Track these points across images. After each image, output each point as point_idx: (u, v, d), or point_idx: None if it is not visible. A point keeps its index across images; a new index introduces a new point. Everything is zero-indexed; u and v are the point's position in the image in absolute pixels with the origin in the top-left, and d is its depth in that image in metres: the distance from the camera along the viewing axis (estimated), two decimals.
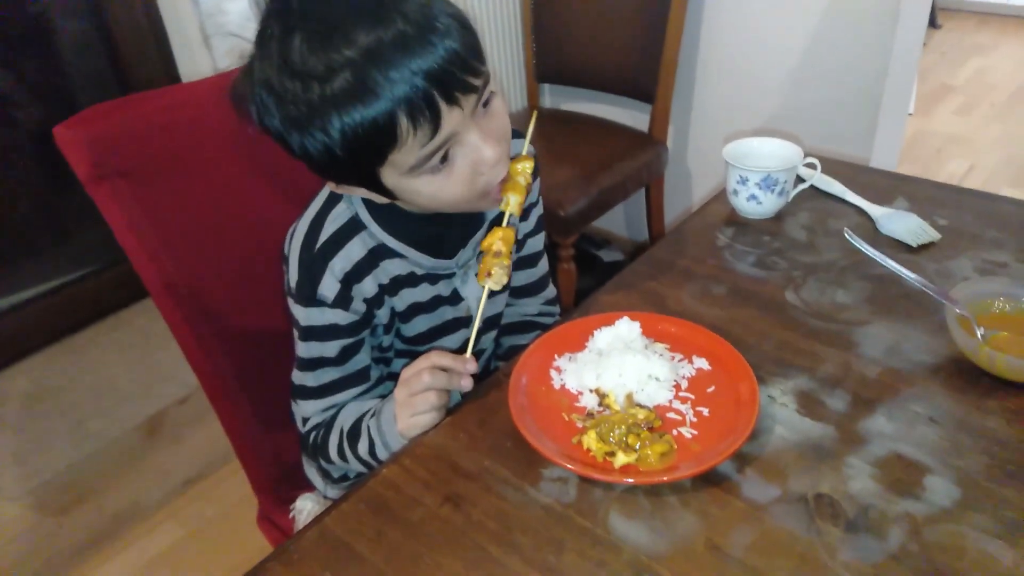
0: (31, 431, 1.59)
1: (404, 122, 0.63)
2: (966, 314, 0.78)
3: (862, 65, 1.79)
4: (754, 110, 2.03)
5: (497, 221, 0.89)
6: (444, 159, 0.69)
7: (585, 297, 0.94)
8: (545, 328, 0.91)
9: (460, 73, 0.65)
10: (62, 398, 1.66)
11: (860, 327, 0.84)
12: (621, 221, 2.52)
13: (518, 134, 0.92)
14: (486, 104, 0.70)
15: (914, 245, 0.96)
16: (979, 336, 0.77)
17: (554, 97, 2.41)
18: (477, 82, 0.67)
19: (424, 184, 0.70)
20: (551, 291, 1.03)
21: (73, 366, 1.70)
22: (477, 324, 0.78)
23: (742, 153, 1.05)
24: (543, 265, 1.00)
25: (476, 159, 0.70)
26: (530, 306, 1.02)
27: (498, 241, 0.77)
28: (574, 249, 1.92)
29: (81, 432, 1.64)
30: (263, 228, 0.94)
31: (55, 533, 1.59)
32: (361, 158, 0.67)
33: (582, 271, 2.01)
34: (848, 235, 0.89)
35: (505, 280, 0.77)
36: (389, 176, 0.70)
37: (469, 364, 0.76)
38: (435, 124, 0.65)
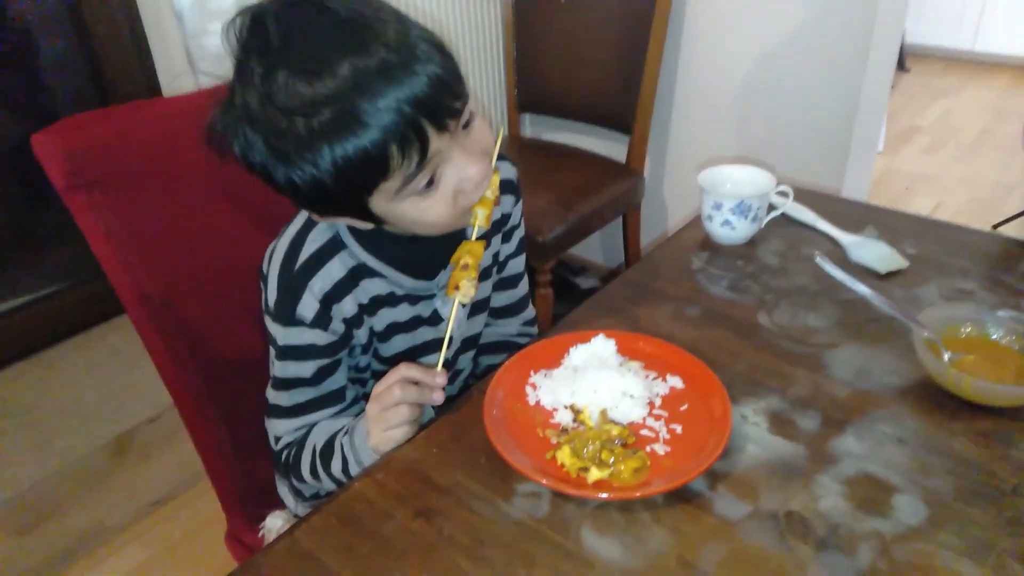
0: None
1: (394, 150, 0.64)
2: (933, 337, 0.79)
3: (834, 102, 1.84)
4: (729, 143, 2.07)
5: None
6: (430, 183, 0.69)
7: (564, 319, 0.95)
8: (521, 347, 0.91)
9: (444, 98, 0.66)
10: (28, 415, 1.62)
11: (830, 350, 0.86)
12: (598, 248, 2.54)
13: (499, 156, 0.94)
14: (467, 125, 0.71)
15: (882, 272, 0.98)
16: (946, 359, 0.79)
17: (535, 127, 2.44)
18: (459, 104, 0.68)
19: (410, 207, 0.70)
20: (530, 312, 1.04)
21: (41, 382, 1.67)
22: (448, 334, 0.78)
23: (717, 180, 1.07)
24: (523, 286, 1.01)
25: (461, 178, 0.71)
26: (509, 326, 1.03)
27: (466, 255, 0.78)
28: (551, 275, 1.93)
29: (47, 450, 1.60)
30: (239, 244, 0.94)
31: (16, 553, 1.54)
32: (352, 189, 0.67)
33: (559, 297, 2.02)
34: (819, 260, 0.91)
35: (472, 293, 0.77)
36: (378, 204, 0.70)
37: (439, 377, 0.76)
38: (423, 149, 0.65)
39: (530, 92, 2.21)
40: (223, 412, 1.00)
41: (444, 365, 0.78)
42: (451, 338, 0.79)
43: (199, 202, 0.95)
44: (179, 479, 1.78)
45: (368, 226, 0.76)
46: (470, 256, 0.78)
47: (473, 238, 0.79)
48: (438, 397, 0.76)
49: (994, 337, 0.82)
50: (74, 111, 0.86)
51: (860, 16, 1.71)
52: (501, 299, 0.99)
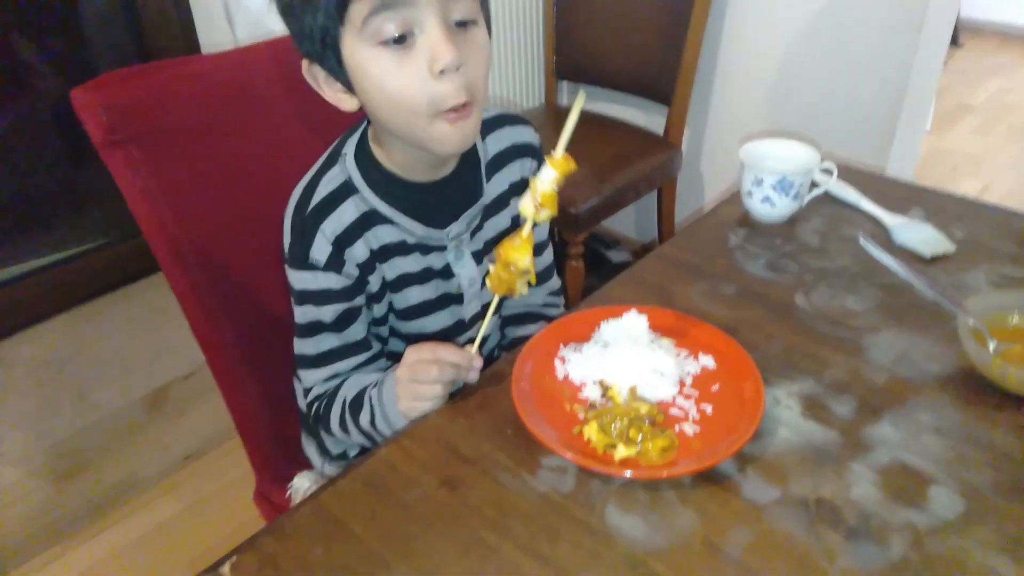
0: (35, 398, 1.59)
1: None
2: (978, 326, 0.77)
3: (882, 77, 1.78)
4: (771, 116, 2.02)
5: (494, 207, 0.89)
6: (402, 39, 0.69)
7: (594, 293, 0.94)
8: (550, 319, 0.91)
9: None
10: (68, 367, 1.66)
11: (869, 334, 0.83)
12: (631, 222, 2.51)
13: (517, 119, 0.92)
14: (465, 25, 0.71)
15: (928, 256, 0.95)
16: (991, 348, 0.76)
17: (572, 95, 2.40)
18: None
19: (374, 60, 0.70)
20: (556, 282, 1.03)
21: (80, 336, 1.70)
22: (483, 331, 0.78)
23: (758, 155, 1.04)
24: (548, 255, 1.00)
25: (432, 56, 0.69)
26: (535, 296, 1.02)
27: (526, 258, 0.74)
28: (583, 247, 1.91)
29: (85, 402, 1.64)
30: (274, 203, 0.94)
31: (54, 500, 1.60)
32: None
33: (590, 270, 2.00)
34: (863, 241, 0.89)
35: (526, 291, 0.77)
36: (348, 41, 0.70)
37: (476, 360, 0.77)
38: None
39: (569, 60, 2.17)
40: (255, 371, 1.01)
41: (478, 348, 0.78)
42: (485, 333, 0.79)
43: (235, 160, 0.95)
44: (212, 435, 1.82)
45: (349, 105, 0.76)
46: (527, 258, 0.74)
47: (525, 233, 0.75)
48: (474, 376, 0.77)
49: None
50: (114, 67, 0.86)
51: None
52: None
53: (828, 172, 1.06)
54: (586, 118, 2.17)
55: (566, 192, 1.75)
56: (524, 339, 0.83)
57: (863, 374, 0.78)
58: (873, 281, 0.91)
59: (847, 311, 0.87)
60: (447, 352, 0.75)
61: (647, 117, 2.16)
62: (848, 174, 1.11)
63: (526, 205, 0.75)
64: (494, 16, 2.04)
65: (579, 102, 0.71)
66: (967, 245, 0.98)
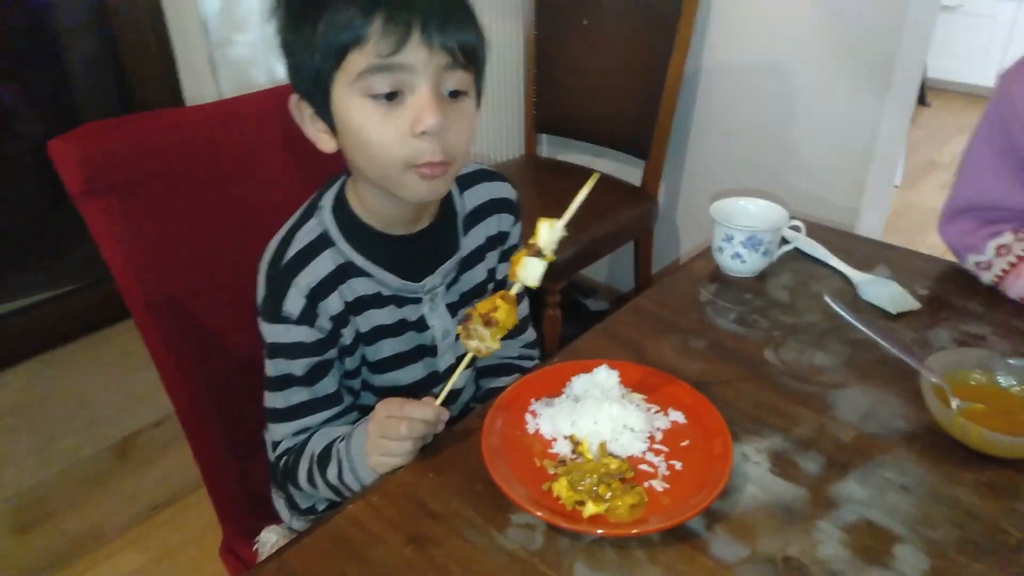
0: None
1: (379, 21, 0.68)
2: (941, 383, 0.78)
3: (852, 135, 1.83)
4: (744, 171, 2.07)
5: (470, 260, 0.90)
6: (392, 96, 0.71)
7: (573, 342, 0.95)
8: (524, 371, 0.91)
9: (453, 16, 0.71)
10: (34, 414, 1.63)
11: (837, 390, 0.85)
12: (609, 271, 2.54)
13: (495, 175, 0.94)
14: (456, 94, 0.74)
15: (893, 312, 0.97)
16: (954, 407, 0.77)
17: (551, 147, 2.45)
18: (463, 40, 0.72)
19: (360, 111, 0.72)
20: (531, 334, 1.03)
21: (49, 382, 1.67)
22: (451, 384, 0.77)
23: (729, 212, 1.07)
24: (524, 307, 1.01)
25: (416, 118, 0.71)
26: (510, 348, 1.02)
27: (503, 309, 0.74)
28: (561, 296, 1.92)
29: (51, 449, 1.61)
30: (249, 255, 0.94)
31: (14, 552, 1.54)
32: (329, 40, 0.70)
33: (568, 318, 2.01)
34: (828, 299, 0.90)
35: (490, 350, 0.76)
36: (339, 86, 0.72)
37: (444, 414, 0.76)
38: (403, 38, 0.68)
39: (549, 112, 2.22)
40: (224, 422, 1.00)
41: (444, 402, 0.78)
42: (458, 385, 0.79)
43: (211, 211, 0.95)
44: (180, 485, 1.78)
45: (328, 147, 0.78)
46: (501, 312, 0.74)
47: (512, 292, 0.76)
48: (440, 428, 0.77)
49: (1004, 385, 0.80)
50: (98, 115, 0.87)
51: (882, 49, 1.71)
52: None
53: (797, 229, 1.09)
54: (565, 168, 2.22)
55: None
56: (498, 391, 0.83)
57: (830, 430, 0.79)
58: (841, 337, 0.93)
59: (815, 367, 0.88)
60: (416, 409, 0.75)
61: (625, 169, 2.20)
62: (817, 231, 1.13)
63: (522, 269, 0.75)
64: None
65: (591, 183, 0.74)
66: (932, 302, 1.00)
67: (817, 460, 0.75)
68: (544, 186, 2.07)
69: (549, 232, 0.74)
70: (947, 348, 0.90)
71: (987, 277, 1.00)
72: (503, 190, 0.94)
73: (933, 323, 0.96)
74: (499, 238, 0.94)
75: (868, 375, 0.87)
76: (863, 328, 0.86)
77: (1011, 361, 0.81)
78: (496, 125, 2.29)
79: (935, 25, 1.84)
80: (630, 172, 2.15)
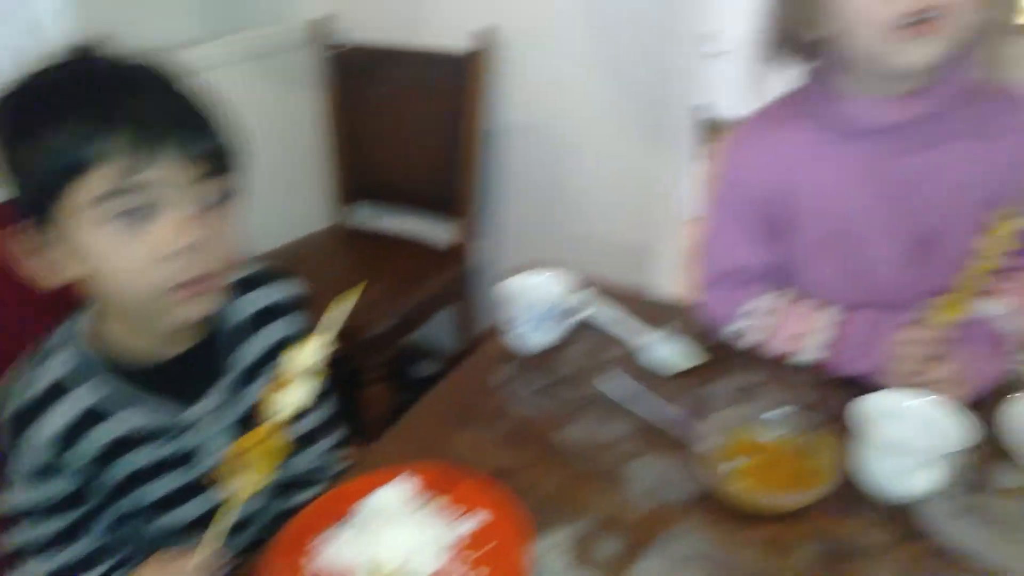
0: None
1: (118, 136, 0.63)
2: (706, 452, 0.81)
3: (637, 184, 1.96)
4: (549, 228, 2.13)
5: (248, 375, 0.85)
6: (138, 214, 0.66)
7: (404, 413, 0.94)
8: (325, 480, 0.86)
9: (199, 123, 0.68)
10: None
11: (629, 464, 0.86)
12: (439, 333, 2.51)
13: (275, 275, 0.89)
14: (213, 203, 0.70)
15: (673, 373, 0.99)
16: (721, 472, 0.80)
17: (372, 214, 2.38)
18: (213, 146, 0.69)
19: (104, 237, 0.66)
20: (330, 440, 0.96)
21: None
22: (222, 526, 0.70)
23: (516, 289, 1.07)
24: (325, 410, 0.94)
25: (166, 236, 0.66)
26: (301, 462, 0.93)
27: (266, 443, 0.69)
28: (387, 369, 1.88)
29: None
30: None
31: None
32: (64, 159, 0.63)
33: (400, 387, 1.96)
34: (597, 386, 0.93)
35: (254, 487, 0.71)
36: (77, 208, 0.65)
37: (217, 561, 0.70)
38: (148, 155, 0.63)
39: (362, 179, 2.19)
40: None
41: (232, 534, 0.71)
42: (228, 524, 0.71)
43: None
44: None
45: (58, 277, 0.70)
46: (265, 446, 0.69)
47: (272, 422, 0.70)
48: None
49: (763, 440, 0.83)
50: None
51: (652, 97, 1.86)
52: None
53: (587, 299, 1.11)
54: (377, 237, 2.18)
55: (359, 316, 1.72)
56: (295, 510, 0.77)
57: (626, 508, 0.80)
58: (629, 409, 0.95)
59: (609, 441, 0.90)
60: (185, 568, 0.68)
61: (441, 233, 2.19)
62: (612, 292, 1.15)
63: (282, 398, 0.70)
64: (276, 142, 2.02)
65: (352, 297, 0.70)
66: (722, 349, 1.03)
67: (615, 542, 0.76)
68: (355, 258, 2.05)
69: (304, 356, 0.70)
70: (724, 404, 0.93)
71: (746, 343, 1.03)
72: (279, 292, 0.89)
73: (715, 376, 0.99)
74: (284, 344, 0.87)
75: (656, 445, 0.88)
76: (632, 408, 0.89)
77: (776, 412, 0.85)
78: (300, 198, 2.22)
79: (702, 70, 1.98)
80: (447, 235, 2.15)
